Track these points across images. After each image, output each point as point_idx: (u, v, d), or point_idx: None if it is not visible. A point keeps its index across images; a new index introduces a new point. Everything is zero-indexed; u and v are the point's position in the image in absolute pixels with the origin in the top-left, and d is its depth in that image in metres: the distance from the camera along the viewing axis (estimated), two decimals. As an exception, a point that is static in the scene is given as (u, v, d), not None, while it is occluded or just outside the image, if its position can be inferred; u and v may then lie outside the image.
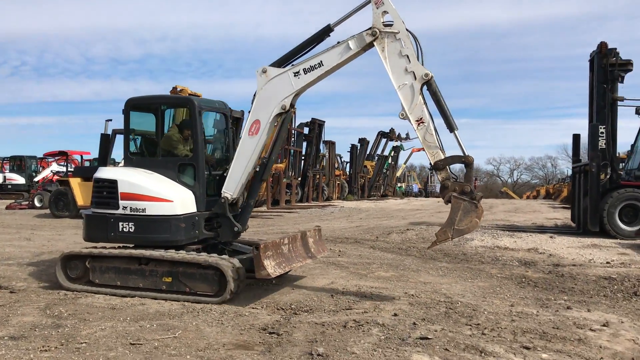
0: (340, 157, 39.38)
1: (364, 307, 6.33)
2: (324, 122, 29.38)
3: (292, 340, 5.04)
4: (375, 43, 6.42)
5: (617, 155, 24.75)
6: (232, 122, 8.23)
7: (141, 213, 6.88)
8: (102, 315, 5.89)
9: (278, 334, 5.22)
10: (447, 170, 6.24)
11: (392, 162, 43.49)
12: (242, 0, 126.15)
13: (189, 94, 17.37)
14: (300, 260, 7.23)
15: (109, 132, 18.58)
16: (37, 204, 23.91)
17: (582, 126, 15.69)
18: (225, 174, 7.26)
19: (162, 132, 7.36)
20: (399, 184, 49.16)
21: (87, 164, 27.50)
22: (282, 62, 6.90)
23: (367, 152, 38.51)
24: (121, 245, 7.20)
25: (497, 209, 26.50)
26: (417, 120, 6.25)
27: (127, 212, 6.92)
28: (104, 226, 7.04)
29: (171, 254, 6.63)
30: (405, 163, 51.44)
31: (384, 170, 41.74)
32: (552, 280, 7.97)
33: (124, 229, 6.93)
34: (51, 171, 30.19)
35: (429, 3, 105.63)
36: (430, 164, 6.38)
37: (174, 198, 6.90)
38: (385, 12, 6.38)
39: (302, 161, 28.53)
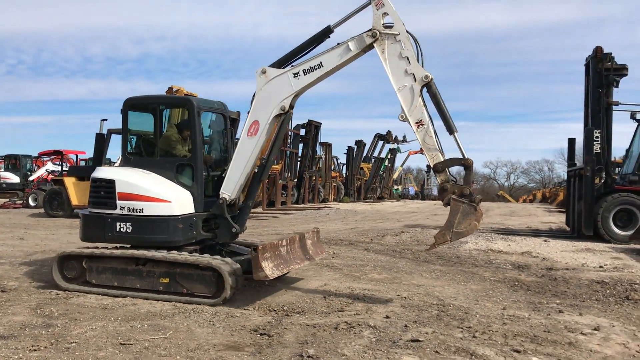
0: (337, 159, 39.42)
1: (356, 309, 6.33)
2: (321, 123, 29.41)
3: (282, 342, 5.03)
4: (375, 44, 6.41)
5: (614, 159, 24.94)
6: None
7: (139, 213, 6.85)
8: (93, 315, 5.88)
9: (269, 335, 5.22)
10: (446, 172, 6.22)
11: (389, 165, 43.53)
12: (240, 0, 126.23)
13: (185, 94, 17.36)
14: (298, 262, 7.21)
15: (104, 131, 18.55)
16: (31, 203, 23.85)
17: (578, 130, 15.96)
18: (223, 175, 7.24)
19: (161, 132, 7.34)
20: (395, 187, 49.20)
21: (82, 163, 27.42)
22: (282, 62, 6.89)
23: (364, 154, 38.55)
24: (118, 245, 7.18)
25: (493, 212, 26.53)
26: (416, 122, 6.25)
27: (125, 212, 6.90)
28: (101, 226, 7.02)
29: (169, 254, 6.60)
30: (402, 165, 51.60)
31: (381, 173, 41.77)
32: (544, 284, 7.98)
33: (121, 229, 6.91)
34: (46, 170, 30.13)
35: (426, 6, 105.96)
36: (428, 166, 6.40)
37: (172, 198, 6.88)
38: (385, 13, 6.37)
39: (298, 163, 28.53)
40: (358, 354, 4.68)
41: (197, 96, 12.76)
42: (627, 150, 14.78)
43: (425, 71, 6.24)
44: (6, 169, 30.75)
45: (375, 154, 40.13)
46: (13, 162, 30.86)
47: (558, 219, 20.94)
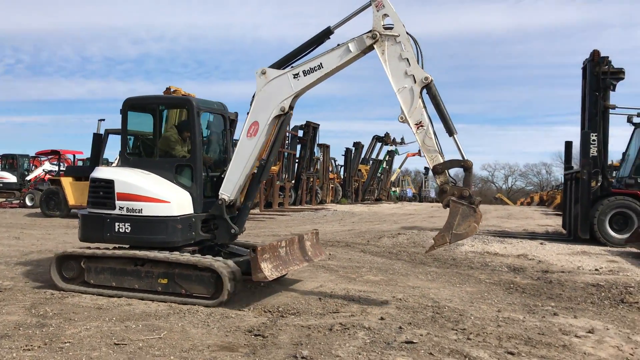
0: (335, 161, 39.43)
1: (351, 310, 6.33)
2: (319, 125, 29.41)
3: (277, 343, 5.03)
4: (375, 46, 6.40)
5: (611, 163, 24.97)
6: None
7: (138, 214, 6.84)
8: (87, 315, 5.87)
9: (263, 336, 5.22)
10: (445, 174, 6.20)
11: (387, 167, 43.53)
12: (240, 1, 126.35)
13: (182, 95, 17.36)
14: (297, 264, 7.20)
15: (102, 131, 18.54)
16: (28, 202, 23.82)
17: (576, 133, 15.90)
18: (222, 176, 7.23)
19: (160, 133, 7.33)
20: (393, 189, 49.22)
21: (80, 163, 27.40)
22: (282, 63, 6.88)
23: (362, 156, 38.56)
24: (116, 245, 7.16)
25: (490, 214, 26.56)
26: (416, 124, 6.23)
27: (124, 212, 6.88)
28: (99, 226, 7.00)
29: (168, 255, 6.58)
30: (400, 167, 51.61)
31: (379, 175, 41.79)
32: (540, 287, 7.99)
33: (120, 230, 6.89)
34: (43, 170, 30.07)
35: (426, 8, 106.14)
36: (426, 168, 6.40)
37: (171, 199, 6.87)
38: (385, 15, 6.36)
39: (296, 164, 28.52)
40: (352, 355, 4.68)
41: (194, 97, 12.74)
42: (624, 154, 14.81)
43: (425, 73, 6.23)
44: (3, 169, 30.66)
45: (373, 155, 40.13)
46: (10, 162, 30.78)
47: (555, 222, 20.97)
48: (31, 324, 5.45)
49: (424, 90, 6.26)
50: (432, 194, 54.52)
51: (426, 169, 56.76)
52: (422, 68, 6.28)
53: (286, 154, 26.66)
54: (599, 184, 13.07)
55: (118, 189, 6.93)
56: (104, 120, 19.37)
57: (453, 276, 8.75)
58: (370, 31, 6.40)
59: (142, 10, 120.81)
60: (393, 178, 48.90)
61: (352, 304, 6.64)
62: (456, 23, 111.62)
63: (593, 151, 12.89)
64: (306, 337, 5.19)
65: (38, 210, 20.41)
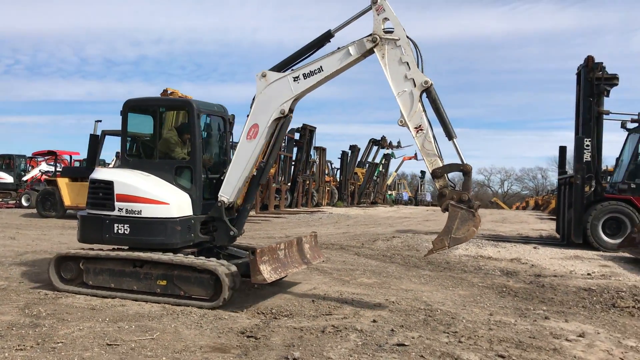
0: (331, 164, 39.48)
1: (344, 312, 6.37)
2: (315, 128, 29.45)
3: (269, 344, 5.06)
4: (375, 49, 6.42)
5: (605, 168, 25.05)
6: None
7: (137, 215, 6.85)
8: (81, 315, 5.89)
9: (256, 337, 5.25)
10: (445, 178, 6.21)
11: (383, 170, 43.60)
12: (238, 4, 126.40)
13: (179, 97, 17.38)
14: (296, 266, 7.21)
15: (99, 132, 18.54)
16: (24, 203, 23.79)
17: (572, 138, 15.98)
18: (222, 178, 7.24)
19: (160, 135, 7.34)
20: (389, 192, 49.26)
21: (77, 164, 27.37)
22: (282, 66, 6.90)
23: (358, 159, 38.60)
24: (115, 247, 7.16)
25: (485, 219, 26.59)
26: (415, 128, 6.25)
27: (123, 213, 6.89)
28: (99, 227, 7.00)
29: (167, 256, 6.59)
30: (396, 171, 51.62)
31: (375, 178, 41.83)
32: (532, 291, 8.03)
33: (119, 231, 6.90)
34: (40, 171, 30.04)
35: (424, 13, 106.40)
36: (422, 171, 6.40)
37: (171, 201, 6.88)
38: (386, 18, 6.39)
39: (292, 166, 28.54)
40: (343, 357, 4.72)
41: (191, 98, 12.77)
42: (617, 159, 14.89)
43: (425, 76, 6.25)
44: (0, 169, 30.60)
45: (370, 159, 40.18)
46: (7, 162, 30.71)
47: (549, 227, 21.05)
48: (24, 324, 5.47)
49: (424, 94, 6.28)
50: (428, 198, 54.59)
51: (422, 172, 56.98)
52: (422, 72, 6.30)
53: (282, 156, 26.70)
54: (592, 189, 13.13)
55: (117, 190, 6.94)
56: (100, 121, 19.36)
57: (446, 279, 8.80)
58: (370, 35, 6.42)
59: (141, 13, 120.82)
60: (389, 181, 48.95)
61: (345, 307, 6.67)
62: (454, 27, 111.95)
63: (587, 156, 12.96)
64: (298, 339, 5.22)
65: (34, 210, 20.39)
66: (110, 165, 24.48)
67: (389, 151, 42.44)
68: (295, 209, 27.13)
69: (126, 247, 7.08)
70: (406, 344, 5.11)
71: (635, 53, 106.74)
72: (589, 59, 13.06)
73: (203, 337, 5.25)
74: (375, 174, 41.73)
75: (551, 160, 77.66)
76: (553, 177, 71.00)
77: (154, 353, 4.73)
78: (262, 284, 6.68)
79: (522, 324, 6.09)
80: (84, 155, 23.25)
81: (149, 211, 6.83)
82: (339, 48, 6.62)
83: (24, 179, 29.69)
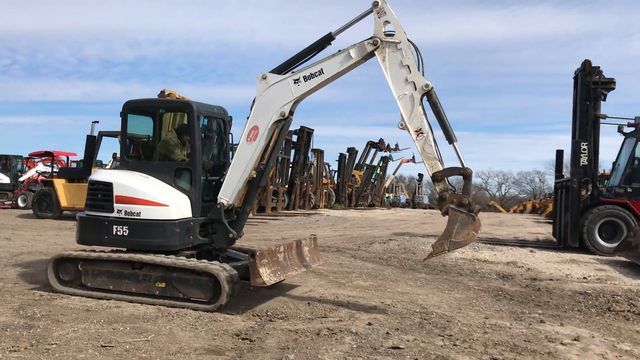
0: (329, 166, 39.46)
1: (340, 315, 6.36)
2: (313, 130, 29.45)
3: (263, 347, 5.06)
4: (376, 52, 6.42)
5: (603, 172, 25.06)
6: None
7: (136, 217, 6.83)
8: (75, 316, 5.88)
9: (251, 340, 5.24)
10: (445, 181, 6.19)
11: (381, 172, 43.62)
12: (237, 6, 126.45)
13: (176, 98, 17.37)
14: (295, 269, 7.20)
15: (96, 133, 18.52)
16: (20, 204, 23.74)
17: (569, 142, 15.99)
18: (222, 180, 7.23)
19: (160, 136, 7.32)
20: (386, 194, 49.28)
21: (73, 165, 27.33)
22: (283, 69, 6.90)
23: (356, 162, 38.61)
24: (114, 248, 7.14)
25: (482, 222, 26.61)
26: (416, 131, 6.24)
27: (122, 215, 6.87)
28: (97, 229, 6.98)
29: (166, 259, 6.56)
30: (394, 174, 51.67)
31: (372, 180, 41.85)
32: (528, 294, 8.04)
33: (118, 233, 6.88)
34: (36, 171, 29.98)
35: (422, 16, 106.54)
36: (420, 174, 6.38)
37: (170, 203, 6.87)
38: (387, 21, 6.39)
39: (290, 168, 28.54)
40: (338, 360, 4.71)
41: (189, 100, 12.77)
42: (614, 163, 14.91)
43: (425, 80, 6.24)
44: (-4, 170, 30.55)
45: (368, 161, 40.19)
46: (3, 163, 30.64)
47: (546, 230, 21.07)
48: (19, 325, 5.46)
49: (425, 98, 6.27)
50: (426, 201, 54.65)
51: (420, 175, 57.02)
52: (423, 75, 6.29)
53: (280, 158, 26.68)
54: (589, 193, 13.14)
55: (117, 191, 6.92)
56: (97, 122, 19.33)
57: (442, 282, 8.80)
58: (371, 38, 6.42)
59: (140, 13, 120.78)
60: (387, 184, 48.96)
61: (340, 309, 6.66)
62: (452, 31, 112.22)
63: (583, 160, 12.97)
64: (293, 342, 5.21)
65: (30, 211, 20.34)
66: (107, 167, 24.44)
67: (387, 154, 42.48)
68: (292, 211, 27.11)
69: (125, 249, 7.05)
70: (401, 347, 5.11)
71: (632, 57, 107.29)
72: (586, 63, 13.09)
73: (198, 339, 5.25)
74: (373, 177, 41.74)
75: (549, 163, 77.75)
76: (550, 181, 71.00)
77: (149, 355, 4.72)
78: (260, 287, 6.64)
79: (517, 327, 6.10)
80: (80, 156, 23.24)
81: (148, 213, 6.81)
82: (339, 51, 6.62)
83: (21, 179, 29.63)
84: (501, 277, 9.42)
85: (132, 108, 7.43)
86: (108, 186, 6.98)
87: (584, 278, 9.49)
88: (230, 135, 8.01)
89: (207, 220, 7.17)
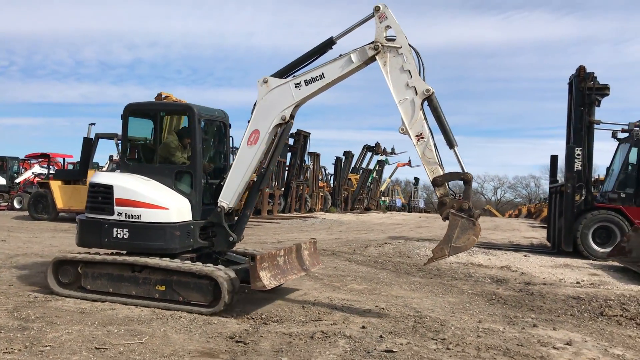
0: (325, 169, 39.51)
1: (334, 318, 6.39)
2: (309, 133, 29.50)
3: (257, 350, 5.08)
4: (377, 57, 6.43)
5: (597, 177, 25.13)
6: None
7: (136, 220, 6.83)
8: (70, 318, 5.89)
9: (245, 342, 5.26)
10: (445, 186, 6.21)
11: (377, 176, 43.66)
12: (235, 9, 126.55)
13: (173, 101, 17.40)
14: (295, 273, 7.20)
15: (92, 135, 18.53)
16: (16, 205, 23.70)
17: (563, 147, 16.09)
18: (222, 183, 7.24)
19: (160, 139, 7.32)
20: (382, 198, 49.32)
21: (70, 167, 27.28)
22: (284, 72, 6.92)
23: (352, 165, 38.66)
24: (114, 251, 7.14)
25: (478, 226, 26.67)
26: (417, 136, 6.25)
27: (122, 218, 6.87)
28: (97, 231, 6.98)
29: (171, 262, 6.56)
30: (390, 177, 51.73)
31: (368, 184, 41.89)
32: (521, 298, 8.08)
33: (118, 235, 6.88)
34: (33, 173, 29.91)
35: (419, 20, 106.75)
36: (416, 178, 6.39)
37: (170, 206, 6.87)
38: (388, 26, 6.41)
39: (286, 172, 28.58)
40: (331, 363, 4.74)
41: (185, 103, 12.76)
42: (608, 169, 15.00)
43: (426, 84, 6.26)
44: (-8, 171, 30.47)
45: (364, 165, 40.24)
46: (0, 164, 30.60)
47: (540, 235, 21.12)
48: (13, 327, 5.46)
49: (425, 102, 6.30)
50: (422, 204, 54.68)
51: (416, 179, 57.10)
52: (424, 80, 6.31)
53: (276, 161, 26.68)
54: (583, 198, 13.21)
55: (117, 194, 6.92)
56: (94, 124, 19.39)
57: (436, 286, 8.83)
58: (372, 42, 6.44)
59: (138, 16, 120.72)
60: (383, 188, 49.01)
61: (334, 312, 6.69)
62: (449, 35, 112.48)
63: (577, 165, 13.03)
64: (287, 345, 5.24)
65: (26, 213, 20.31)
66: (104, 169, 24.42)
67: (383, 157, 42.54)
68: (288, 214, 27.13)
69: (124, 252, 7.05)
70: (394, 350, 5.14)
71: (628, 63, 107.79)
72: (581, 69, 13.17)
73: (192, 341, 5.26)
74: (369, 180, 41.79)
75: (544, 168, 77.91)
76: (546, 185, 71.07)
77: (143, 357, 4.74)
78: (260, 290, 6.61)
79: (510, 331, 6.13)
80: (77, 158, 23.19)
81: (148, 216, 6.81)
82: (340, 55, 6.63)
83: (17, 181, 29.57)
84: (495, 281, 9.46)
85: (133, 111, 7.43)
86: (108, 189, 6.98)
87: (577, 283, 9.54)
88: (230, 138, 8.02)
89: (207, 223, 7.17)
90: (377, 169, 42.92)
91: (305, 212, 29.78)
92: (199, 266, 6.54)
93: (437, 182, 6.19)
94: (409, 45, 6.37)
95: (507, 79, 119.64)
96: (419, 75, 6.32)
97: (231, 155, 7.99)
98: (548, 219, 15.74)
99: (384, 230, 20.77)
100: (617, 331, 6.45)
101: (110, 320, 5.89)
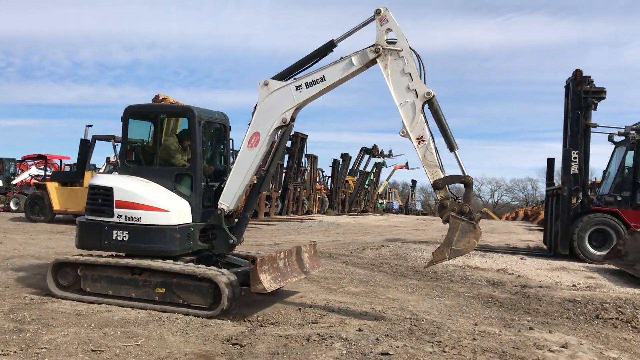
0: (322, 172, 39.52)
1: (330, 321, 6.39)
2: (307, 135, 29.50)
3: (254, 352, 5.08)
4: (378, 60, 6.44)
5: (594, 180, 25.17)
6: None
7: (136, 222, 6.81)
8: (66, 321, 5.88)
9: (241, 345, 5.26)
10: (446, 189, 6.20)
11: (374, 179, 43.70)
12: (233, 11, 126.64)
13: (170, 103, 17.40)
14: (295, 276, 7.20)
15: (89, 137, 18.50)
16: (12, 207, 23.64)
17: (560, 150, 16.15)
18: (222, 185, 7.23)
19: (161, 141, 7.32)
20: (380, 201, 49.35)
21: (67, 168, 27.23)
22: (284, 75, 6.91)
23: (350, 168, 38.69)
24: (114, 254, 7.12)
25: (475, 228, 26.68)
26: (417, 139, 6.25)
27: (122, 220, 6.85)
28: (97, 234, 6.96)
29: (167, 264, 6.55)
30: (387, 180, 51.75)
31: (366, 186, 41.91)
32: (517, 301, 8.10)
33: (118, 238, 6.86)
34: (29, 174, 29.85)
35: (417, 23, 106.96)
36: (413, 180, 6.40)
37: (170, 208, 6.86)
38: (389, 29, 6.41)
39: (284, 174, 28.57)
40: (327, 366, 4.74)
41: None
42: (604, 172, 15.04)
43: (427, 88, 6.26)
44: (-11, 172, 30.39)
45: (361, 167, 40.27)
46: (-4, 166, 30.54)
47: (537, 237, 21.16)
48: (8, 329, 5.45)
49: (426, 105, 6.30)
50: (419, 207, 54.74)
51: (413, 181, 57.20)
52: (425, 83, 6.32)
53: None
54: (579, 201, 13.25)
55: (117, 196, 6.90)
56: (91, 126, 19.33)
57: (433, 289, 8.85)
58: (373, 45, 6.44)
59: (135, 17, 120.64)
60: (380, 190, 49.03)
61: (331, 315, 6.70)
62: (447, 38, 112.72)
63: (574, 168, 13.07)
64: (283, 347, 5.24)
65: (22, 214, 20.26)
66: (101, 170, 24.39)
67: (381, 160, 42.58)
68: (285, 217, 27.13)
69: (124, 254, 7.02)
70: (390, 353, 5.15)
71: (624, 66, 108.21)
72: (577, 73, 13.22)
73: (188, 344, 5.26)
74: (366, 183, 41.81)
75: (541, 171, 77.97)
76: (543, 188, 71.18)
77: (138, 359, 4.73)
78: (260, 293, 6.61)
79: (506, 334, 6.15)
80: (74, 159, 23.17)
81: (148, 218, 6.80)
82: (341, 58, 6.64)
83: (13, 182, 29.51)
84: (491, 284, 9.48)
85: (133, 113, 7.43)
86: (108, 191, 6.96)
87: (574, 285, 9.56)
88: (230, 140, 8.02)
89: (207, 225, 7.16)
90: (374, 171, 42.98)
91: (303, 215, 29.78)
92: (199, 268, 6.51)
93: (437, 185, 6.19)
94: (410, 48, 6.38)
95: (504, 82, 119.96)
96: (420, 78, 6.32)
97: (231, 158, 8.00)
98: (545, 222, 15.78)
99: (381, 233, 20.78)
100: (612, 334, 6.46)
101: (106, 322, 5.88)
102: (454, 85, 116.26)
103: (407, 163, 46.92)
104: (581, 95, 13.12)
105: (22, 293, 7.15)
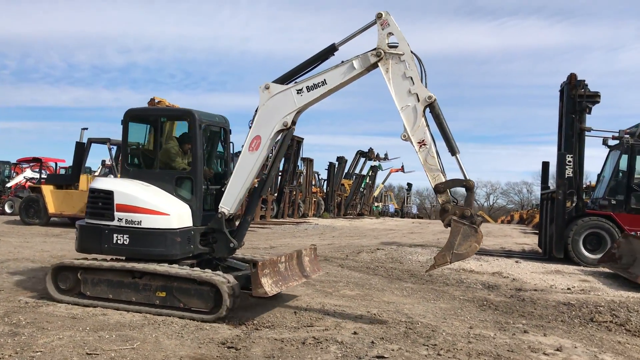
0: (318, 175, 39.53)
1: (326, 324, 6.40)
2: (303, 138, 29.53)
3: (249, 355, 5.09)
4: (379, 64, 6.45)
5: (589, 184, 25.24)
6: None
7: (136, 225, 6.80)
8: (61, 324, 5.87)
9: (236, 348, 5.27)
10: (447, 193, 6.22)
11: (370, 182, 43.75)
12: (229, 14, 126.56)
13: (167, 106, 17.37)
14: (296, 280, 7.19)
15: (85, 140, 18.46)
16: (7, 210, 23.54)
17: (555, 154, 16.23)
18: (223, 189, 7.23)
19: (161, 145, 7.32)
20: (375, 204, 49.40)
21: (62, 171, 27.17)
22: (285, 79, 6.92)
23: (345, 171, 38.73)
24: (114, 257, 7.11)
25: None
26: (419, 142, 6.27)
27: (122, 224, 6.84)
28: (97, 237, 6.95)
29: (173, 269, 6.53)
30: (383, 183, 51.83)
31: (361, 189, 41.96)
32: (512, 304, 8.12)
33: (119, 241, 6.85)
34: (24, 177, 29.74)
35: (414, 26, 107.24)
36: (409, 183, 6.40)
37: (171, 211, 6.85)
38: (390, 33, 6.43)
39: (279, 177, 28.59)
40: (323, 369, 4.75)
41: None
42: (599, 176, 15.11)
43: (428, 91, 6.28)
44: (-17, 175, 30.27)
45: (357, 170, 40.32)
46: (-9, 168, 30.42)
47: (532, 241, 21.21)
48: (3, 333, 5.44)
49: (427, 109, 6.32)
50: (414, 210, 54.82)
51: (409, 184, 57.24)
52: (426, 87, 6.34)
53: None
54: (573, 205, 13.30)
55: (117, 200, 6.89)
56: (87, 129, 19.28)
57: (428, 292, 8.87)
58: (374, 49, 6.46)
59: (131, 19, 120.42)
60: (376, 193, 49.10)
61: (326, 318, 6.71)
62: (443, 42, 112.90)
63: (569, 172, 13.11)
64: (279, 350, 5.25)
65: (17, 217, 20.18)
66: (96, 173, 24.33)
67: (376, 163, 42.64)
68: (281, 220, 27.12)
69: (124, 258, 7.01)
70: (386, 356, 5.17)
71: (619, 70, 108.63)
72: (572, 77, 13.28)
73: (183, 347, 5.26)
74: (362, 186, 41.86)
75: (536, 174, 78.24)
76: (538, 192, 71.38)
77: (134, 363, 4.74)
78: (261, 297, 6.60)
79: (501, 337, 6.17)
80: (69, 162, 23.11)
81: (148, 222, 6.79)
82: (343, 62, 6.65)
83: (8, 185, 29.38)
84: (486, 287, 9.51)
85: (133, 116, 7.43)
86: (109, 194, 6.95)
87: (568, 289, 9.60)
88: (231, 144, 8.02)
89: (207, 229, 7.16)
90: (370, 174, 43.02)
91: (298, 218, 29.79)
92: (199, 272, 6.51)
93: (439, 189, 6.21)
94: (411, 52, 6.40)
95: (500, 86, 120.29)
96: (421, 82, 6.34)
97: (232, 161, 8.00)
98: (539, 226, 15.82)
99: (376, 236, 20.80)
100: (606, 337, 6.50)
101: (101, 325, 5.88)
102: (449, 88, 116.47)
103: (402, 166, 47.02)
104: (576, 99, 13.18)
105: (17, 296, 7.13)
